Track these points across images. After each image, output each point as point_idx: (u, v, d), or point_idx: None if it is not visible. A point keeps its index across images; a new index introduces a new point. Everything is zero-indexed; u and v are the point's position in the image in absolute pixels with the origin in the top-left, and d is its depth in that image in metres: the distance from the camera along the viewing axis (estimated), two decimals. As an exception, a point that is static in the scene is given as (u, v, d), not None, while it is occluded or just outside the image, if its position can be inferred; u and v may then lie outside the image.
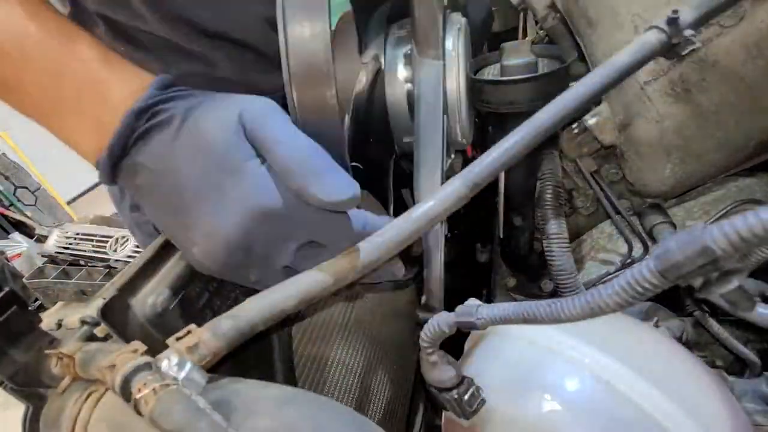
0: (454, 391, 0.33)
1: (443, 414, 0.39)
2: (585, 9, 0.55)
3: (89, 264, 2.50)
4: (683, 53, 0.33)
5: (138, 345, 0.25)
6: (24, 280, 2.48)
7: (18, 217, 3.07)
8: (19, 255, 2.73)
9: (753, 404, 0.46)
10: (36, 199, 3.28)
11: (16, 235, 2.89)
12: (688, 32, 0.32)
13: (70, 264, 2.53)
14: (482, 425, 0.35)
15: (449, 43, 0.44)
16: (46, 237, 2.65)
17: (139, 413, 0.22)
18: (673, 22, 0.32)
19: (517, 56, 0.45)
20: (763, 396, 0.46)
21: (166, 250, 0.36)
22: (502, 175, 0.59)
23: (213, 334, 0.26)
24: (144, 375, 0.23)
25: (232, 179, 0.31)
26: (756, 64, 0.46)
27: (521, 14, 0.90)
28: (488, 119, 0.57)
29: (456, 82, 0.44)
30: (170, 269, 0.35)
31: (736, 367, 0.52)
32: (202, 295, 0.37)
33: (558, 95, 0.45)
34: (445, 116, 0.43)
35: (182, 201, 0.32)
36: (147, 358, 0.24)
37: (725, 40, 0.46)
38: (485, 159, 0.30)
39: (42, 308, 2.46)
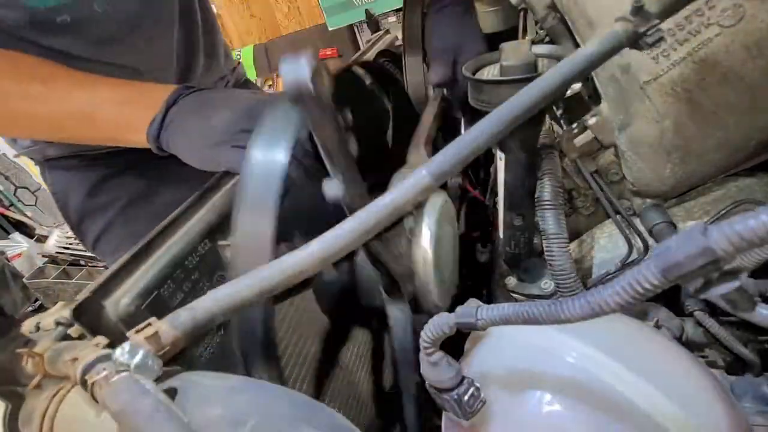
0: (454, 392, 0.33)
1: (443, 414, 0.39)
2: (585, 9, 0.55)
3: (89, 264, 2.51)
4: (651, 42, 0.33)
5: (100, 339, 0.27)
6: (24, 280, 2.48)
7: (18, 217, 3.07)
8: (19, 255, 2.73)
9: (753, 404, 0.46)
10: (36, 199, 3.28)
11: (17, 235, 2.90)
12: (654, 22, 0.32)
13: (71, 264, 2.53)
14: (482, 426, 0.35)
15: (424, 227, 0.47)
16: (46, 237, 2.65)
17: (95, 400, 0.23)
18: (638, 11, 0.32)
19: (517, 56, 0.45)
20: (763, 396, 0.46)
21: (142, 255, 0.38)
22: (502, 175, 0.59)
23: (171, 325, 0.27)
24: (101, 365, 0.24)
25: None
26: (756, 64, 0.46)
27: (521, 14, 0.90)
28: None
29: (422, 257, 0.44)
30: (144, 272, 0.36)
31: (736, 367, 0.52)
32: (175, 295, 0.38)
33: (558, 95, 0.45)
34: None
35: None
36: (107, 351, 0.25)
37: (725, 40, 0.46)
38: (450, 149, 0.30)
39: (42, 308, 2.46)
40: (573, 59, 0.33)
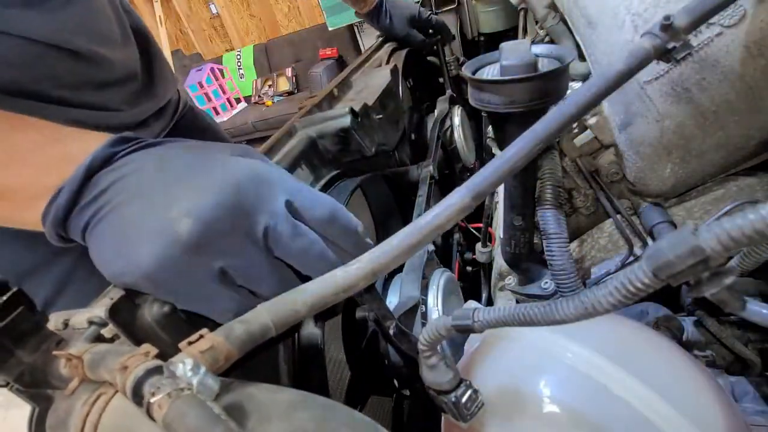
0: (452, 394, 0.33)
1: (442, 416, 0.39)
2: (585, 9, 0.55)
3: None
4: (679, 57, 0.34)
5: (149, 348, 0.25)
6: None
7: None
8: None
9: (753, 404, 0.46)
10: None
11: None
12: (682, 36, 0.33)
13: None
14: (480, 428, 0.35)
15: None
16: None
17: (151, 418, 0.22)
18: (666, 28, 0.33)
19: (517, 56, 0.45)
20: (763, 396, 0.46)
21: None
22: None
23: (226, 339, 0.26)
24: (156, 379, 0.22)
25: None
26: (756, 64, 0.46)
27: (521, 14, 0.90)
28: (488, 119, 0.57)
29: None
30: None
31: (736, 367, 0.52)
32: None
33: (556, 96, 0.45)
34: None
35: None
36: (158, 362, 0.24)
37: (725, 40, 0.46)
38: (487, 169, 0.31)
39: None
40: (604, 76, 0.34)
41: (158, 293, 0.31)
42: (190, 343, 0.25)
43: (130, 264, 0.29)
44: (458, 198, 0.30)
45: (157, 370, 0.23)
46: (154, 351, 0.25)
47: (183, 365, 0.22)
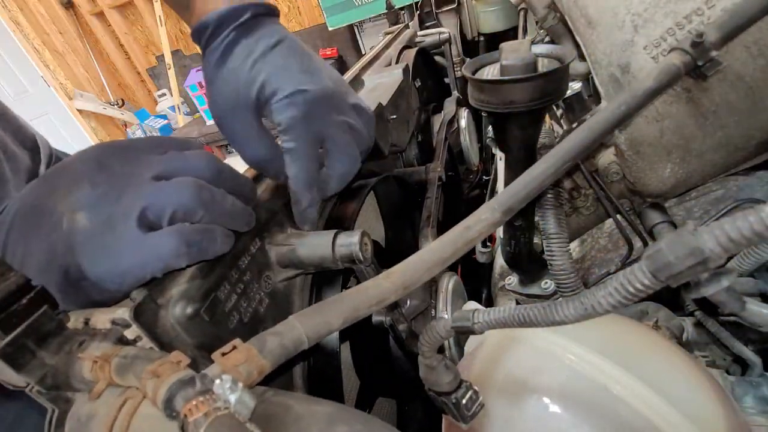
0: (453, 395, 0.33)
1: (443, 417, 0.39)
2: (585, 9, 0.55)
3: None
4: (709, 74, 0.34)
5: (180, 356, 0.24)
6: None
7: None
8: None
9: (753, 404, 0.46)
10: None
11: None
12: (713, 53, 0.33)
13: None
14: (481, 429, 0.35)
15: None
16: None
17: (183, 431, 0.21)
18: (697, 45, 0.33)
19: (517, 56, 0.45)
20: (763, 396, 0.46)
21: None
22: (502, 175, 0.59)
23: (260, 352, 0.25)
24: (188, 391, 0.21)
25: None
26: (756, 64, 0.46)
27: (521, 14, 0.90)
28: (489, 119, 0.57)
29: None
30: (199, 271, 0.33)
31: (736, 367, 0.52)
32: (230, 297, 0.36)
33: (556, 96, 0.45)
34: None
35: None
36: (191, 372, 0.23)
37: (725, 40, 0.46)
38: (517, 185, 0.31)
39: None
40: (634, 93, 0.34)
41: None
42: (223, 354, 0.24)
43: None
44: (489, 213, 0.30)
45: (189, 382, 0.22)
46: (186, 360, 0.24)
47: (221, 382, 0.21)
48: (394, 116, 0.71)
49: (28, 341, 0.25)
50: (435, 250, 0.30)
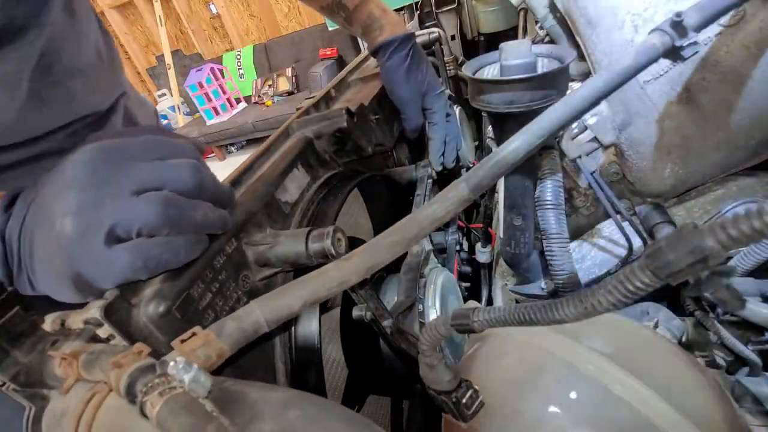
0: (453, 394, 0.33)
1: (443, 416, 0.39)
2: (585, 9, 0.55)
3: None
4: (687, 56, 0.33)
5: (142, 347, 0.25)
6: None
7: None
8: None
9: (753, 404, 0.46)
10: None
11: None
12: (692, 35, 0.32)
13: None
14: (481, 428, 0.35)
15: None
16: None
17: (144, 416, 0.22)
18: (677, 25, 0.32)
19: (517, 56, 0.45)
20: (763, 396, 0.46)
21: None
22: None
23: (217, 336, 0.26)
24: (149, 377, 0.22)
25: None
26: (756, 64, 0.46)
27: (521, 14, 0.90)
28: (489, 119, 0.57)
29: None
30: (173, 271, 0.35)
31: (736, 367, 0.52)
32: (204, 295, 0.37)
33: (556, 96, 0.45)
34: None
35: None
36: (151, 360, 0.24)
37: (725, 40, 0.46)
38: (487, 162, 0.30)
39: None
40: (611, 71, 0.33)
41: None
42: (182, 341, 0.26)
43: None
44: (457, 190, 0.30)
45: (149, 369, 0.23)
46: (147, 350, 0.25)
47: (175, 363, 0.23)
48: (378, 116, 0.72)
49: (0, 341, 0.26)
50: (399, 230, 0.30)
